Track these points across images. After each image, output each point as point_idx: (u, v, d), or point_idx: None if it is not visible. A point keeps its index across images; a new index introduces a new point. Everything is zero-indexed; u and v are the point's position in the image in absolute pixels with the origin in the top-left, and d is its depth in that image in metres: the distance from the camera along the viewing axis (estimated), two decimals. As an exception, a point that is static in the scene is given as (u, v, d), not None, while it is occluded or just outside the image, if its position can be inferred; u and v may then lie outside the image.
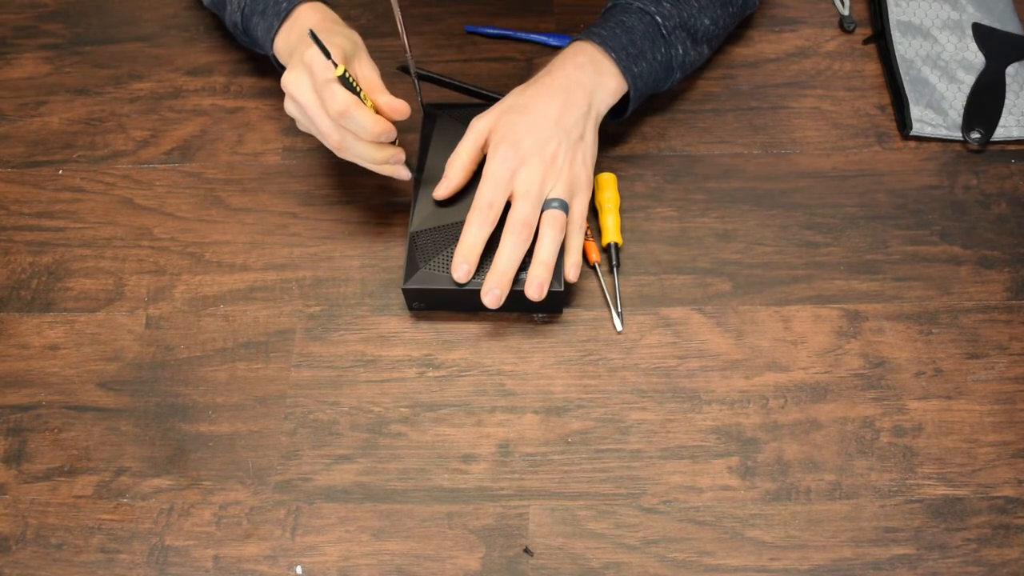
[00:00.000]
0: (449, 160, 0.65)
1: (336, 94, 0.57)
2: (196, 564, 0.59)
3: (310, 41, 0.60)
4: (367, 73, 0.62)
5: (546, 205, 0.62)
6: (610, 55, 0.66)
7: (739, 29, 0.79)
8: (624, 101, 0.69)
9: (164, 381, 0.65)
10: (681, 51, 0.69)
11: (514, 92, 0.67)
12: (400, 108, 0.60)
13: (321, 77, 0.58)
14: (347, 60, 0.61)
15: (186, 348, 0.66)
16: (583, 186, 0.64)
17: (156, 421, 0.64)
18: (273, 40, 0.67)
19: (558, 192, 0.62)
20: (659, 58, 0.68)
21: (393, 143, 0.62)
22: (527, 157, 0.62)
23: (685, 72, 0.72)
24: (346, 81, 0.58)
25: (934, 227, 0.69)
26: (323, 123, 0.60)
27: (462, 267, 0.62)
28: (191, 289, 0.69)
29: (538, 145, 0.62)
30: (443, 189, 0.65)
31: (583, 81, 0.65)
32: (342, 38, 0.62)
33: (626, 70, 0.66)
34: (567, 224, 0.63)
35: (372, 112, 0.59)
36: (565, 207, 0.62)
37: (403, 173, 0.64)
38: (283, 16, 0.66)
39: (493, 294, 0.61)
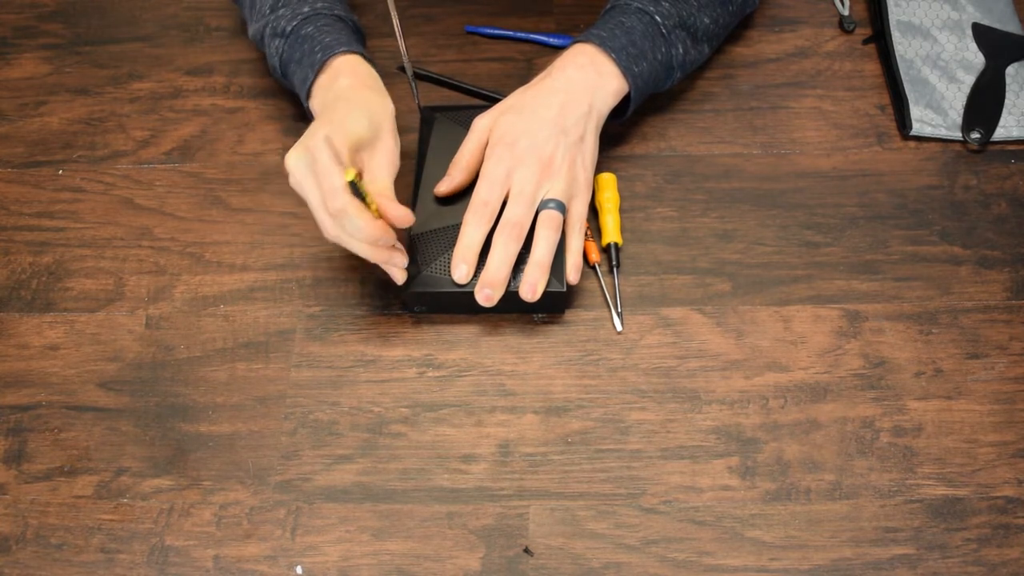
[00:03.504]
0: (453, 159, 0.65)
1: (337, 193, 0.55)
2: (196, 564, 0.59)
3: (326, 120, 0.59)
4: (379, 168, 0.60)
5: (542, 206, 0.62)
6: (610, 56, 0.66)
7: (739, 29, 0.79)
8: (625, 102, 0.69)
9: (164, 381, 0.65)
10: (681, 50, 0.69)
11: (515, 93, 0.67)
12: (403, 217, 0.58)
13: (324, 170, 0.56)
14: (362, 146, 0.59)
15: (186, 348, 0.66)
16: (582, 187, 0.64)
17: (156, 421, 0.64)
18: (309, 93, 0.66)
19: (555, 193, 0.62)
20: (659, 58, 0.68)
21: (393, 246, 0.60)
22: (523, 157, 0.62)
23: (686, 71, 0.72)
24: (355, 188, 0.55)
25: (934, 227, 0.69)
26: (321, 215, 0.58)
27: (460, 267, 0.62)
28: (191, 289, 0.69)
29: (535, 146, 0.62)
30: (445, 186, 0.65)
31: (584, 82, 0.65)
32: (364, 116, 0.60)
33: (627, 70, 0.66)
34: (566, 225, 0.63)
35: (371, 217, 0.57)
36: (562, 208, 0.62)
37: (397, 276, 0.62)
38: (317, 68, 0.65)
39: (485, 293, 0.61)
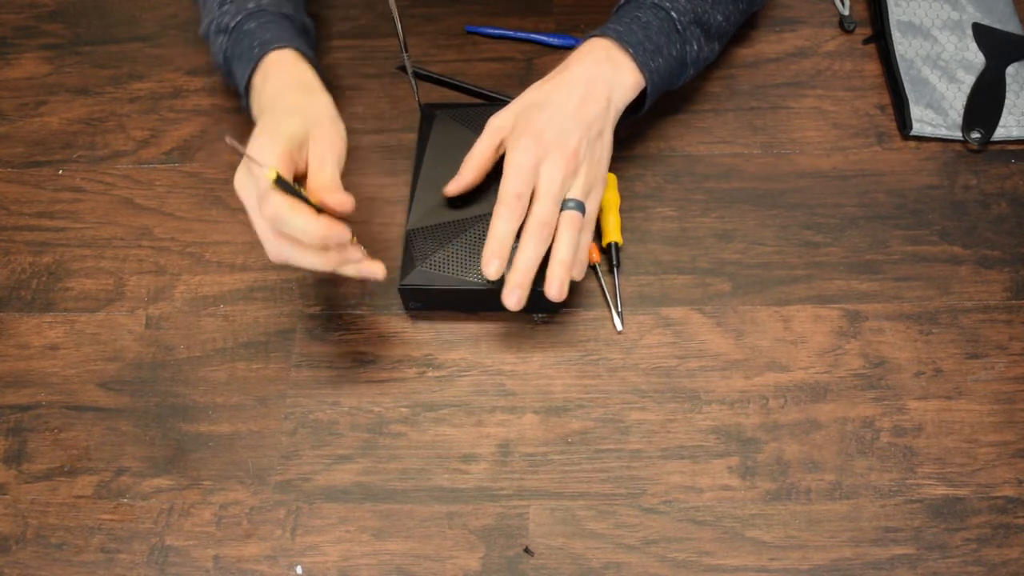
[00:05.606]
0: (465, 158, 0.64)
1: (267, 197, 0.53)
2: (196, 564, 0.59)
3: (258, 131, 0.56)
4: (321, 158, 0.57)
5: (563, 205, 0.61)
6: (627, 51, 0.65)
7: (739, 28, 0.79)
8: (636, 100, 0.68)
9: (164, 381, 0.65)
10: (696, 47, 0.69)
11: (531, 88, 0.65)
12: (343, 202, 0.55)
13: (259, 174, 0.53)
14: (300, 143, 0.57)
15: (186, 348, 0.66)
16: (599, 183, 0.63)
17: (156, 421, 0.64)
18: (247, 92, 0.64)
19: (576, 189, 0.61)
20: (675, 54, 0.67)
21: (351, 242, 0.57)
22: (549, 149, 0.61)
23: (698, 69, 0.71)
24: (284, 184, 0.52)
25: (934, 227, 0.69)
26: (259, 229, 0.55)
27: (492, 263, 0.59)
28: (191, 289, 0.69)
29: (559, 137, 0.61)
30: (454, 186, 0.64)
31: (602, 76, 0.64)
32: (295, 115, 0.58)
33: (643, 65, 0.65)
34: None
35: (310, 213, 0.53)
36: (582, 208, 0.61)
37: (376, 271, 0.58)
38: (253, 64, 0.63)
39: (515, 294, 0.59)
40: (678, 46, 0.67)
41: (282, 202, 0.53)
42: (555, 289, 0.59)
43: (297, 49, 0.64)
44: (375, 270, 0.59)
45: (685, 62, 0.69)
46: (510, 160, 0.61)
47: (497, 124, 0.64)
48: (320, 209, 0.55)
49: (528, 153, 0.60)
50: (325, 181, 0.56)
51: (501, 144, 0.64)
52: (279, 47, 0.63)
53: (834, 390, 0.63)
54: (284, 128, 0.57)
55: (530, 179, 0.60)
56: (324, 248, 0.55)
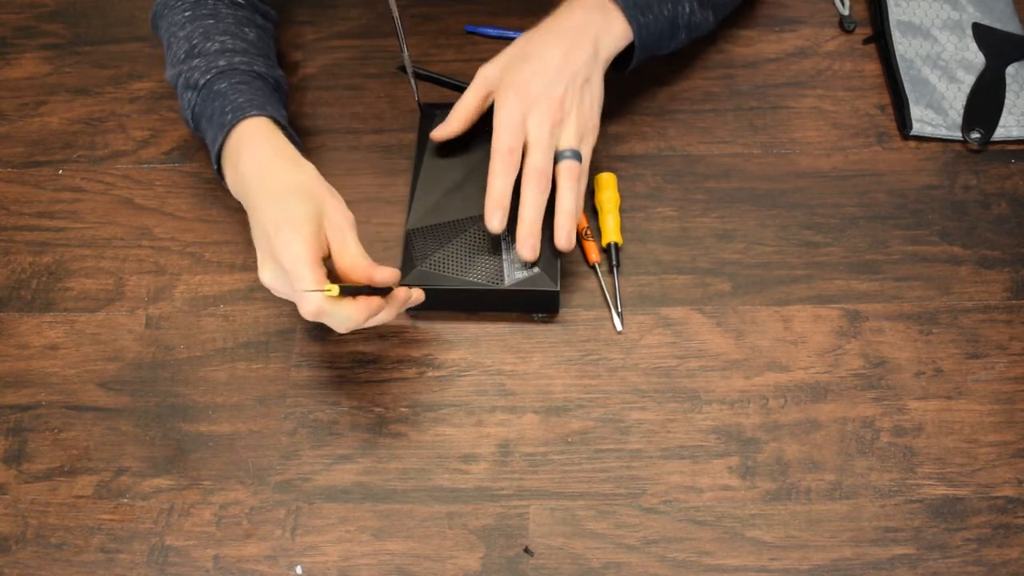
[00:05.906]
0: (454, 107, 0.66)
1: (306, 299, 0.53)
2: (196, 564, 0.59)
3: (274, 223, 0.55)
4: (340, 231, 0.57)
5: (559, 156, 0.62)
6: (617, 2, 0.66)
7: (739, 29, 0.79)
8: (627, 55, 0.68)
9: (164, 381, 0.65)
10: (688, 10, 0.69)
11: (521, 38, 0.66)
12: (390, 277, 0.57)
13: (301, 286, 0.53)
14: (319, 223, 0.56)
15: (186, 348, 0.66)
16: (590, 129, 0.64)
17: (156, 421, 0.64)
18: (219, 159, 0.63)
19: (568, 137, 0.62)
20: (666, 13, 0.68)
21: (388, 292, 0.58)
22: (534, 103, 0.62)
23: (691, 35, 0.72)
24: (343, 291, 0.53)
25: (934, 227, 0.69)
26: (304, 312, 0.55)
27: (495, 215, 0.60)
28: (191, 289, 0.69)
29: (544, 89, 0.62)
30: (440, 131, 0.66)
31: (588, 26, 0.65)
32: (299, 198, 0.57)
33: (632, 18, 0.66)
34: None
35: (351, 303, 0.55)
36: (578, 156, 0.62)
37: (419, 297, 0.61)
38: (227, 130, 0.61)
39: (528, 243, 0.60)
40: (669, 6, 0.68)
41: (325, 303, 0.53)
42: (563, 239, 0.61)
43: (270, 116, 0.62)
44: (418, 297, 0.61)
45: (677, 24, 0.69)
46: (498, 117, 0.63)
47: (486, 74, 0.65)
48: (349, 289, 0.55)
49: (514, 108, 0.62)
50: (357, 259, 0.56)
51: (489, 95, 0.65)
52: (252, 115, 0.61)
53: (834, 390, 0.63)
54: (302, 218, 0.56)
55: (519, 133, 0.62)
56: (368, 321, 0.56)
